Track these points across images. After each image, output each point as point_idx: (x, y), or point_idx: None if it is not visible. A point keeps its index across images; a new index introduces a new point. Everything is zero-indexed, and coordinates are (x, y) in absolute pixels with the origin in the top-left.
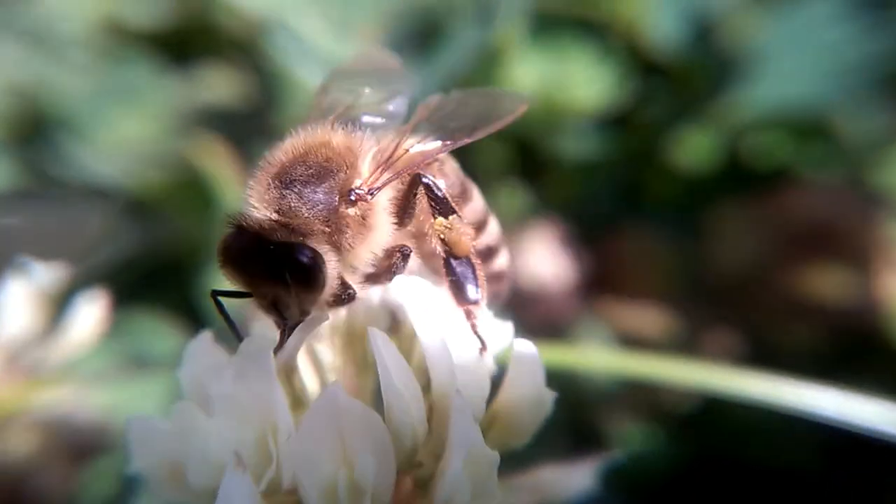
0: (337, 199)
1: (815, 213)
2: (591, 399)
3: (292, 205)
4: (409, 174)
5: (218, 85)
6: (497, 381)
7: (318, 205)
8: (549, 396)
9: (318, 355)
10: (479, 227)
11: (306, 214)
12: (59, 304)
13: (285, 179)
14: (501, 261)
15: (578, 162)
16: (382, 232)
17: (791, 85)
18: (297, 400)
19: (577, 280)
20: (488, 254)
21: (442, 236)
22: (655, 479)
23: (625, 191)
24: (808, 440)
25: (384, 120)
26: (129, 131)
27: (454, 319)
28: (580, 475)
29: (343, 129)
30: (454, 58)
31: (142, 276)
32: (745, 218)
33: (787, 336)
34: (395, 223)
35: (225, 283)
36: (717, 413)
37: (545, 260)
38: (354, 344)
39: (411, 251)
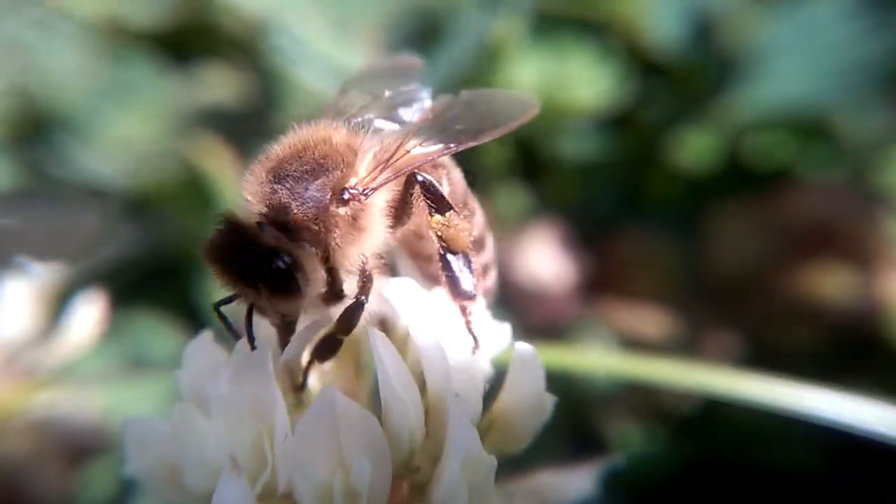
0: (328, 197)
1: (815, 213)
2: (590, 400)
3: (283, 200)
4: (409, 175)
5: (218, 85)
6: (496, 385)
7: (308, 202)
8: (549, 400)
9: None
10: (478, 245)
11: (296, 211)
12: (57, 305)
13: (279, 174)
14: (489, 281)
15: (579, 162)
16: (375, 234)
17: (792, 85)
18: (299, 401)
19: (578, 280)
20: (482, 273)
21: (439, 233)
22: (655, 481)
23: (625, 191)
24: (809, 442)
25: (399, 122)
26: (128, 131)
27: (449, 319)
28: (579, 480)
29: (347, 127)
30: (454, 58)
31: (141, 277)
32: (745, 218)
33: (787, 337)
34: (391, 225)
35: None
36: (717, 415)
37: (545, 260)
38: (350, 346)
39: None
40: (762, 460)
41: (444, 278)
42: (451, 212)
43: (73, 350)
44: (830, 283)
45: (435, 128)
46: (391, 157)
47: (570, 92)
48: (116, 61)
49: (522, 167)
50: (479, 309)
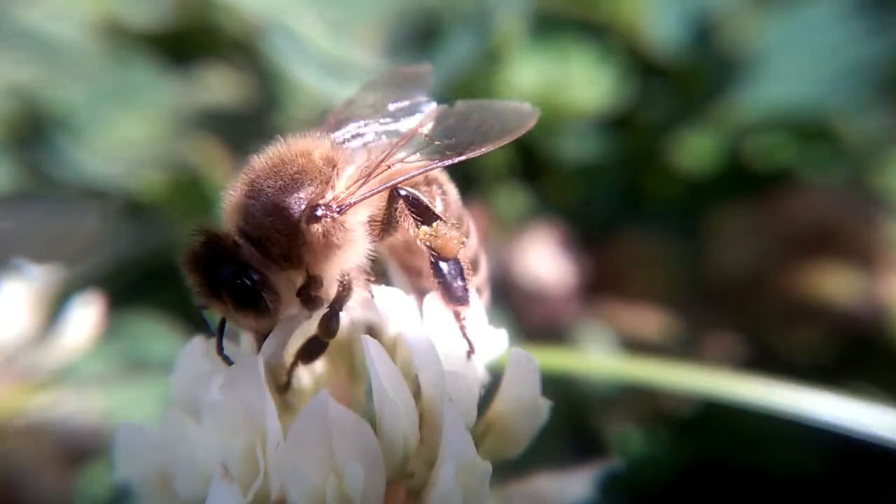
0: (299, 213)
1: (816, 215)
2: (590, 402)
3: (256, 215)
4: (392, 189)
5: (217, 86)
6: (492, 390)
7: (278, 218)
8: (545, 404)
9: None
10: (472, 265)
11: (268, 226)
12: (56, 307)
13: (254, 188)
14: (483, 301)
15: (579, 164)
16: (354, 249)
17: (792, 86)
18: (285, 404)
19: (578, 282)
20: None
21: (428, 243)
22: (655, 483)
23: (625, 193)
24: (809, 444)
25: (397, 135)
26: (128, 132)
27: (443, 324)
28: (578, 483)
29: (331, 141)
30: (453, 59)
31: (139, 278)
32: (746, 220)
33: (787, 339)
34: (376, 239)
35: None
36: (717, 417)
37: (545, 261)
38: (343, 351)
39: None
40: (762, 463)
41: (436, 285)
42: (439, 221)
43: (71, 352)
44: (831, 285)
45: (423, 141)
46: (371, 172)
47: (569, 93)
48: (116, 62)
49: (522, 168)
50: (474, 314)
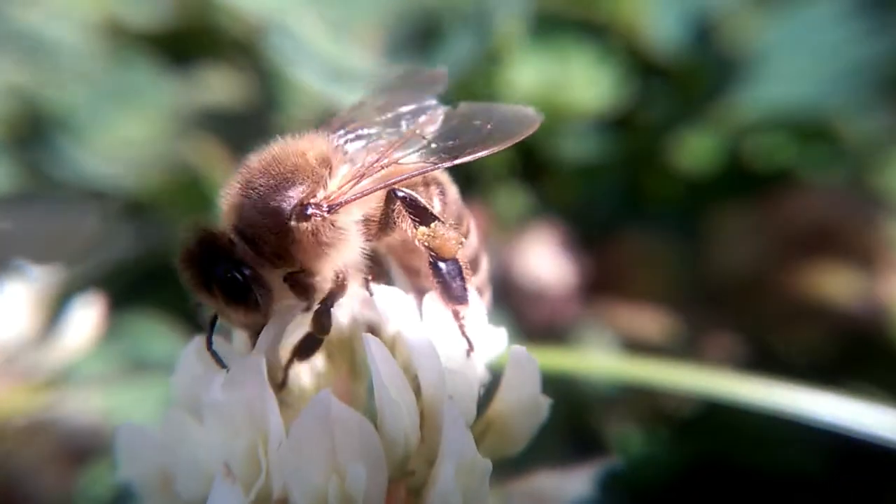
0: (289, 211)
1: (816, 215)
2: (590, 402)
3: (247, 213)
4: (388, 190)
5: (217, 86)
6: (492, 388)
7: (269, 216)
8: (545, 403)
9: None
10: (472, 266)
11: (259, 224)
12: (56, 307)
13: (248, 187)
14: (485, 302)
15: (579, 164)
16: (346, 248)
17: (792, 86)
18: (283, 402)
19: (578, 282)
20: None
21: (426, 244)
22: (655, 483)
23: (625, 193)
24: (809, 445)
25: (399, 137)
26: (128, 133)
27: (442, 322)
28: (578, 481)
29: (329, 141)
30: (454, 60)
31: (140, 279)
32: (746, 220)
33: (788, 339)
34: (371, 239)
35: None
36: (717, 417)
37: (545, 261)
38: (344, 349)
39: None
40: (763, 463)
41: (435, 284)
42: (436, 222)
43: (72, 352)
44: (831, 285)
45: (421, 143)
46: (365, 172)
47: (569, 93)
48: (116, 62)
49: (522, 168)
50: (473, 313)
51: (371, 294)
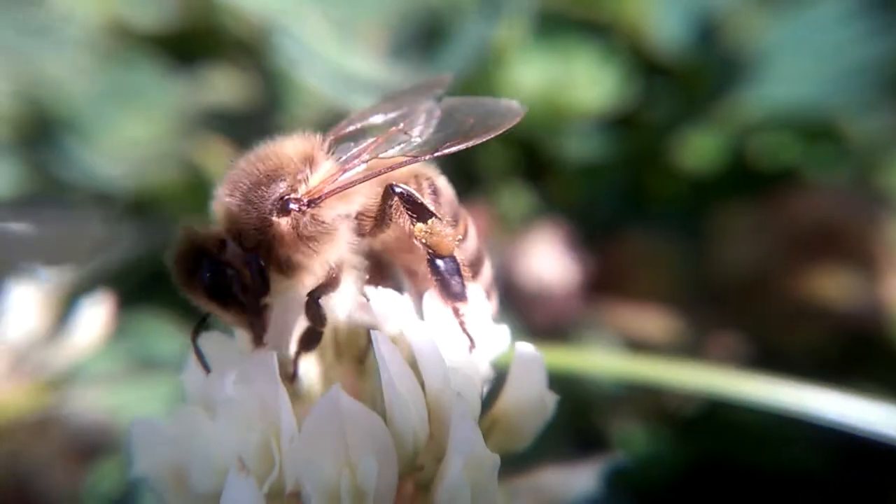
0: (269, 206)
1: (820, 214)
2: (594, 401)
3: (233, 211)
4: (379, 186)
5: (222, 86)
6: (498, 385)
7: (251, 212)
8: (551, 399)
9: (317, 358)
10: (473, 269)
11: (243, 221)
12: (65, 307)
13: (234, 185)
14: (492, 304)
15: (582, 163)
16: (330, 242)
17: (796, 86)
18: (293, 394)
19: (581, 281)
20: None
21: (424, 240)
22: (659, 481)
23: (629, 192)
24: (812, 443)
25: (398, 139)
26: (133, 133)
27: (441, 320)
28: (583, 478)
29: (317, 140)
30: (457, 59)
31: (147, 278)
32: (749, 219)
33: (791, 338)
34: (364, 234)
35: None
36: (721, 416)
37: (549, 261)
38: (352, 346)
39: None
40: (766, 461)
41: (433, 282)
42: (433, 218)
43: (80, 351)
44: (834, 285)
45: (402, 138)
46: (345, 167)
47: (573, 93)
48: (121, 63)
49: (526, 168)
50: (475, 310)
51: (367, 299)
